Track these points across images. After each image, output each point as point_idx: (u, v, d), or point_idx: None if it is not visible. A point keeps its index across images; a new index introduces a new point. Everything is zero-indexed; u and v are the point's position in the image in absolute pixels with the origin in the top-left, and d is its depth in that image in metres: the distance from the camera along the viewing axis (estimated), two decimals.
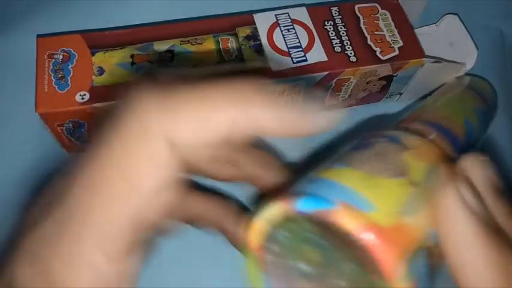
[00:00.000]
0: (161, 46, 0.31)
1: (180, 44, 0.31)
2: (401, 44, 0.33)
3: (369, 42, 0.33)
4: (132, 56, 0.30)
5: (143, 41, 0.31)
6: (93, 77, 0.29)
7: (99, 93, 0.29)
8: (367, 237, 0.15)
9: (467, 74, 0.36)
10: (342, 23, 0.34)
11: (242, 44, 0.32)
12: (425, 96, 0.37)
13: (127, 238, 0.15)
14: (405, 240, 0.15)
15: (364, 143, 0.20)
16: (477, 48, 0.36)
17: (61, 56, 0.30)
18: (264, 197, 0.17)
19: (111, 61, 0.30)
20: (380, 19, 0.34)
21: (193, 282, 0.30)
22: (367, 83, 0.33)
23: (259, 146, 0.24)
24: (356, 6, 0.34)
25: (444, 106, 0.29)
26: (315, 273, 0.18)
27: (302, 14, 0.33)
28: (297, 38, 0.32)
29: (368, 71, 0.32)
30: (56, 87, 0.29)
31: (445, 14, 0.38)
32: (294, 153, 0.33)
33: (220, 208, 0.24)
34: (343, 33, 0.33)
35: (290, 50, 0.32)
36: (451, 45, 0.37)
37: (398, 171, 0.17)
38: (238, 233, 0.23)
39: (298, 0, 0.35)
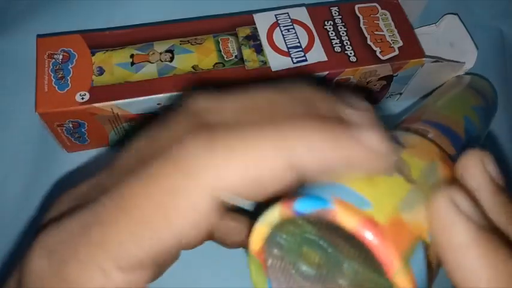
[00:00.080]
0: (161, 46, 0.31)
1: (180, 44, 0.31)
2: (401, 44, 0.33)
3: (369, 42, 0.33)
4: (132, 56, 0.30)
5: (143, 41, 0.31)
6: (93, 77, 0.29)
7: (99, 93, 0.29)
8: (365, 234, 0.15)
9: (467, 73, 0.36)
10: (341, 23, 0.34)
11: (242, 44, 0.32)
12: (425, 96, 0.37)
13: (145, 260, 0.15)
14: (403, 236, 0.15)
15: None
16: (477, 48, 0.36)
17: (61, 56, 0.30)
18: (267, 204, 0.17)
19: (111, 61, 0.30)
20: (380, 19, 0.34)
21: (193, 282, 0.30)
22: (367, 83, 0.33)
23: None
24: (356, 6, 0.34)
25: (444, 105, 0.29)
26: (316, 274, 0.18)
27: (302, 14, 0.33)
28: (297, 38, 0.32)
29: (368, 71, 0.32)
30: (56, 87, 0.29)
31: (445, 14, 0.38)
32: None
33: (249, 228, 0.24)
34: (343, 33, 0.33)
35: (290, 50, 0.32)
36: (451, 45, 0.37)
37: (395, 169, 0.17)
38: None
39: (298, 0, 0.35)
